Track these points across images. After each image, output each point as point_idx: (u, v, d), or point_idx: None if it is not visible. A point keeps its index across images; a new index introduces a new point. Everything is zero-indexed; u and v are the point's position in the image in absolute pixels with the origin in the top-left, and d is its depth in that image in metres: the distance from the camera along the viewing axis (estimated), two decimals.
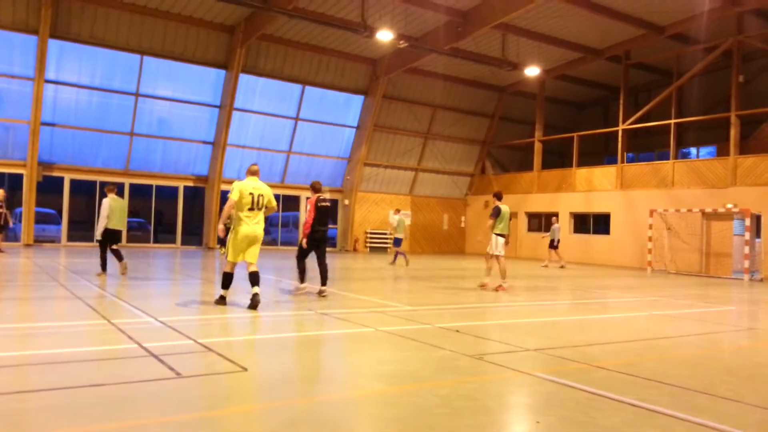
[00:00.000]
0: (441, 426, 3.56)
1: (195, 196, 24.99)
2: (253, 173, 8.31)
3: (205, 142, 24.26)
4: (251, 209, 7.98)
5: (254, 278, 7.91)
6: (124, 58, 21.68)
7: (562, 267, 20.42)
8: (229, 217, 8.19)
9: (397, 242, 18.49)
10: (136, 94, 22.33)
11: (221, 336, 6.31)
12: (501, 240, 11.72)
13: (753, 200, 19.12)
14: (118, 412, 3.58)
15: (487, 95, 29.11)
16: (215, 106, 23.82)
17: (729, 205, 19.21)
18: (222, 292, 8.13)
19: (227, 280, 8.07)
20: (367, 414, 3.89)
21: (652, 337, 7.13)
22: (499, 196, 12.32)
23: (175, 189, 24.28)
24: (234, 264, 8.13)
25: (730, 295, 13.35)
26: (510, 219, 12.28)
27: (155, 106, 23.03)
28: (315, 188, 10.30)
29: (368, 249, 27.71)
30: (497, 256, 11.69)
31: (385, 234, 27.63)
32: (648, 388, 4.60)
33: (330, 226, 18.61)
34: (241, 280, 9.61)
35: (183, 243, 24.35)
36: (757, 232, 18.75)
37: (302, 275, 9.99)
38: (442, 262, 21.23)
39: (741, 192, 19.76)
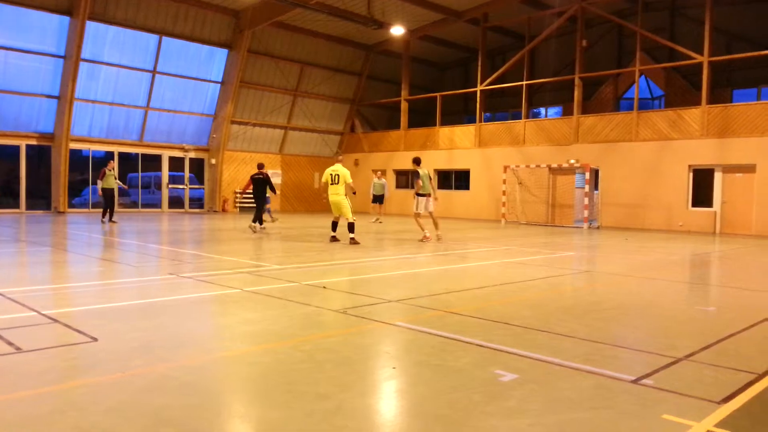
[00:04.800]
0: (302, 380, 3.65)
1: (41, 155, 22.70)
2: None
3: (49, 96, 21.96)
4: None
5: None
6: None
7: (380, 222, 20.46)
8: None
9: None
10: None
11: (69, 306, 5.91)
12: (422, 199, 13.46)
13: (593, 156, 21.14)
14: None
15: (355, 53, 29.08)
16: (59, 57, 21.55)
17: (572, 161, 21.08)
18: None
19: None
20: (229, 374, 3.88)
21: (501, 283, 7.74)
22: (417, 161, 14.00)
23: (17, 148, 21.86)
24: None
25: (571, 242, 14.78)
26: (430, 179, 14.04)
27: None
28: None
29: (237, 209, 27.03)
30: (418, 214, 13.52)
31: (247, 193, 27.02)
32: (495, 330, 5.02)
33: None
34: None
35: (28, 207, 22.15)
36: (595, 185, 20.81)
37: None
38: (313, 221, 21.28)
39: (582, 149, 21.73)
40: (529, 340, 4.72)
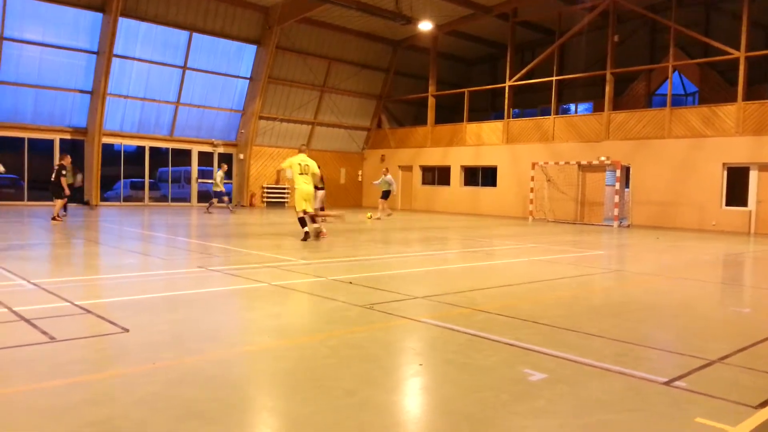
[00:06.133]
0: (329, 375, 3.66)
1: (74, 149, 23.18)
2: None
3: (82, 92, 22.41)
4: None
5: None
6: None
7: (378, 218, 19.81)
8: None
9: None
10: (0, 38, 20.08)
11: (101, 297, 6.02)
12: (320, 193, 13.75)
13: (623, 153, 20.75)
14: None
15: (382, 49, 29.03)
16: (92, 53, 21.96)
17: (602, 158, 20.73)
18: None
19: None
20: (256, 368, 3.90)
21: (529, 281, 7.66)
22: None
23: (51, 142, 22.39)
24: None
25: (601, 240, 14.55)
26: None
27: (24, 51, 20.85)
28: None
29: (265, 204, 27.26)
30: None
31: (283, 189, 27.23)
32: (524, 328, 4.96)
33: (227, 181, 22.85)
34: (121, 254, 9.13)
35: None
36: (626, 182, 20.43)
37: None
38: None
39: (613, 145, 21.35)
40: (558, 340, 4.65)
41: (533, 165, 22.32)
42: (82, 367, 3.70)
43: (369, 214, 20.68)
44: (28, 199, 22.33)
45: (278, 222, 17.45)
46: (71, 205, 20.56)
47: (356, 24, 25.97)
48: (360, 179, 31.04)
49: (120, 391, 3.28)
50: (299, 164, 11.65)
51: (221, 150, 26.62)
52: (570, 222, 21.30)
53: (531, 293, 6.86)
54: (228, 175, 26.74)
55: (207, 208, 21.41)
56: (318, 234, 12.17)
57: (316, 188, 12.85)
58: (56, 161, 19.78)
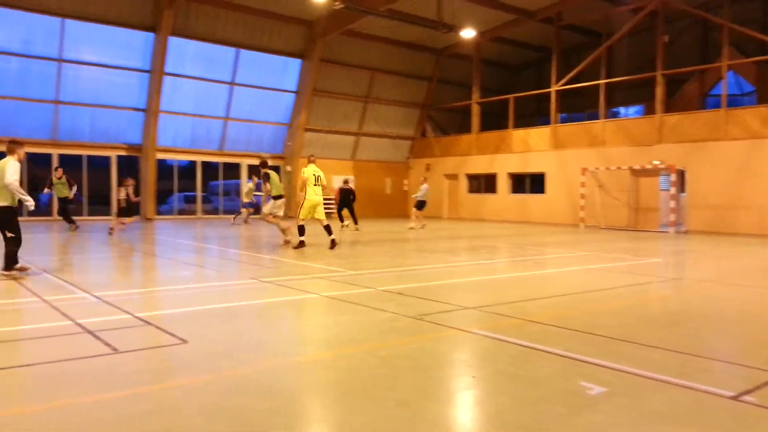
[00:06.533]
0: (381, 386, 3.66)
1: (129, 165, 24.09)
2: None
3: (136, 109, 23.29)
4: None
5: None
6: (44, 21, 20.36)
7: (412, 228, 19.28)
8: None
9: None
10: (59, 60, 21.11)
11: (160, 309, 6.21)
12: (278, 202, 13.22)
13: (678, 156, 20.08)
14: (51, 391, 3.50)
15: (425, 58, 29.07)
16: (145, 71, 22.82)
17: (655, 162, 20.12)
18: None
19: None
20: (308, 378, 3.95)
21: (582, 291, 7.48)
22: (264, 164, 13.73)
23: (107, 159, 23.32)
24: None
25: (656, 247, 14.10)
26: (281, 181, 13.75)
27: (81, 72, 21.86)
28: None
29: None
30: (272, 215, 13.25)
31: (330, 199, 27.49)
32: (577, 339, 4.85)
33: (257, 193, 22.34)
34: (176, 267, 9.40)
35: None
36: (681, 187, 19.76)
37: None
38: (386, 226, 21.41)
39: (666, 149, 20.70)
40: (615, 351, 4.53)
41: (583, 170, 21.86)
42: (144, 378, 3.82)
43: (411, 225, 20.10)
44: (88, 214, 23.28)
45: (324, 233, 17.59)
46: (55, 219, 21.31)
47: (398, 34, 26.11)
48: (406, 188, 31.07)
49: (181, 402, 3.37)
50: (314, 175, 12.20)
51: (269, 163, 27.07)
52: (623, 229, 20.72)
53: (584, 303, 6.70)
54: (258, 187, 27.25)
55: (233, 219, 21.92)
56: (286, 242, 12.69)
57: (280, 197, 13.19)
58: (113, 176, 20.56)
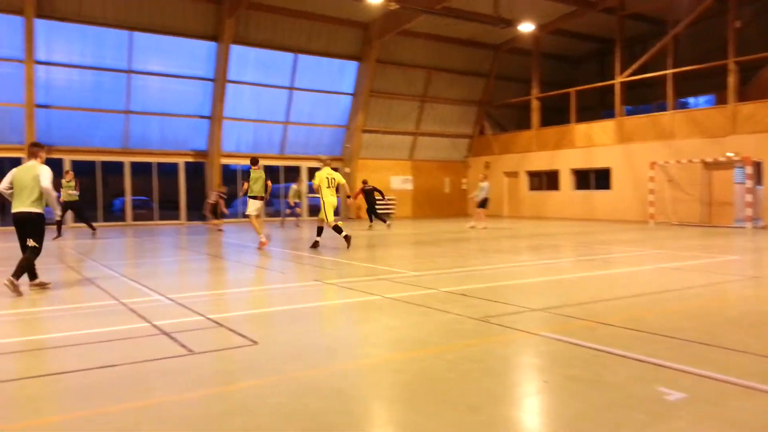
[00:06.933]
0: (449, 390, 3.63)
1: (196, 171, 24.96)
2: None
3: (201, 117, 24.11)
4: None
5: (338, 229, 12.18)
6: (113, 34, 21.40)
7: (473, 227, 18.96)
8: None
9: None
10: (128, 71, 22.12)
11: (231, 311, 6.39)
12: (255, 202, 13.15)
13: (753, 148, 19.02)
14: (133, 392, 3.66)
15: (482, 54, 28.73)
16: (209, 80, 23.58)
17: (729, 154, 19.13)
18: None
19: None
20: (376, 382, 3.96)
21: (656, 291, 7.20)
22: (254, 162, 13.56)
23: (176, 165, 24.24)
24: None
25: (733, 244, 13.41)
26: (266, 181, 13.46)
27: (148, 82, 22.83)
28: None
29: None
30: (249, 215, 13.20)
31: (390, 200, 27.61)
32: (653, 342, 4.67)
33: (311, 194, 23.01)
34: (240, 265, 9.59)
35: (187, 219, 24.44)
36: (758, 179, 18.72)
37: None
38: (445, 226, 21.29)
39: (741, 140, 19.64)
40: (694, 355, 4.33)
41: (652, 165, 21.03)
42: (219, 379, 3.94)
43: (471, 224, 19.78)
44: (158, 219, 24.29)
45: (385, 233, 17.69)
46: (195, 223, 22.02)
47: (454, 32, 25.90)
48: (464, 187, 30.80)
49: (253, 403, 3.46)
50: (326, 178, 12.31)
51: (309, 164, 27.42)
52: (696, 225, 19.81)
53: (658, 304, 6.44)
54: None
55: (281, 223, 22.78)
56: (263, 243, 12.71)
57: (258, 197, 13.21)
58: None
